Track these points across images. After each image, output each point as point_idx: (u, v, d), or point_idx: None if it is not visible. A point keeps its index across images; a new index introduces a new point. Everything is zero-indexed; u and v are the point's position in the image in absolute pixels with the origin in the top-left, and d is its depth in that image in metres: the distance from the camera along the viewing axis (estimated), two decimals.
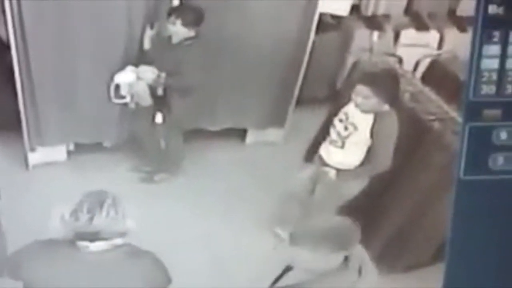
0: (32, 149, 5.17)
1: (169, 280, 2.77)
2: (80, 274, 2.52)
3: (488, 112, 1.84)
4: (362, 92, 3.85)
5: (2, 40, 5.03)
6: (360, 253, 2.64)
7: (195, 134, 5.39)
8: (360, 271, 2.57)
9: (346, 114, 4.05)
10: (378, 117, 3.90)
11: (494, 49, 1.79)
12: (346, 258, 2.56)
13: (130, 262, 2.61)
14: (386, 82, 3.93)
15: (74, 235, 2.48)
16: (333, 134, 4.13)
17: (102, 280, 2.54)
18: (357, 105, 3.92)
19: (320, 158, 4.26)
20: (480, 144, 1.86)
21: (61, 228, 2.47)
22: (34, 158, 5.23)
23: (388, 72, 4.30)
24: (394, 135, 3.90)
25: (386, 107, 3.88)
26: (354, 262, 2.57)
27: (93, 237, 2.48)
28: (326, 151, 4.21)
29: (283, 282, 2.78)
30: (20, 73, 4.77)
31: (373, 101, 3.84)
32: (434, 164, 3.92)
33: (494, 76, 1.82)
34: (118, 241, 2.54)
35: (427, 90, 4.40)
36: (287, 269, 2.77)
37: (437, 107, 4.22)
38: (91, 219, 2.44)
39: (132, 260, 2.62)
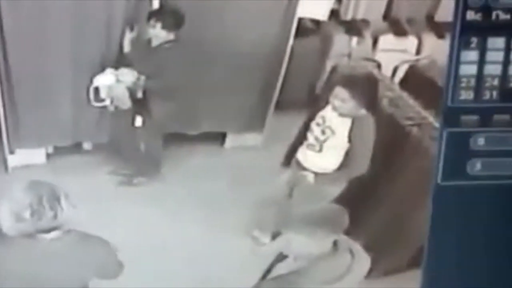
0: (11, 152, 5.17)
1: (120, 265, 2.85)
2: (36, 261, 2.56)
3: (466, 118, 1.85)
4: (340, 95, 3.87)
5: None
6: (347, 238, 2.68)
7: (174, 138, 5.39)
8: (352, 253, 2.60)
9: (323, 118, 4.06)
10: (355, 121, 3.92)
11: (472, 55, 1.81)
12: (335, 243, 2.59)
13: (81, 246, 2.66)
14: (364, 86, 3.96)
15: (35, 230, 2.48)
16: (310, 138, 4.14)
17: (57, 266, 2.59)
18: (334, 108, 3.94)
19: (298, 162, 4.27)
20: (458, 150, 1.87)
21: (19, 227, 2.46)
22: (13, 160, 5.21)
23: (367, 77, 4.33)
24: (371, 139, 3.92)
25: (363, 111, 3.91)
26: (344, 245, 2.60)
27: (53, 229, 2.51)
28: (304, 155, 4.22)
29: (275, 272, 2.80)
30: None
31: (351, 104, 3.86)
32: (412, 169, 3.94)
33: (472, 82, 1.83)
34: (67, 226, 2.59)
35: (405, 95, 4.43)
36: (280, 258, 2.79)
37: (415, 112, 4.24)
38: (55, 216, 2.46)
39: (83, 244, 2.67)
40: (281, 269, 2.78)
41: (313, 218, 2.59)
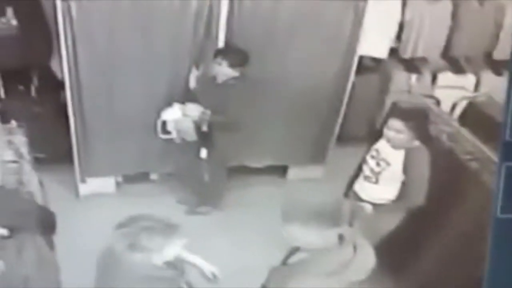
0: (83, 180, 5.40)
1: None
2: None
3: None
4: (394, 126, 3.98)
5: (58, 79, 5.28)
6: (354, 233, 2.75)
7: (238, 169, 5.54)
8: (355, 249, 2.67)
9: (377, 151, 4.16)
10: (409, 152, 4.00)
11: None
12: (340, 237, 2.69)
13: None
14: (417, 118, 4.06)
15: None
16: (366, 171, 4.23)
17: None
18: (388, 140, 4.04)
19: (355, 193, 4.35)
20: None
21: None
22: (84, 188, 5.45)
23: (419, 109, 4.40)
24: (426, 171, 3.99)
25: (416, 143, 4.00)
26: (348, 241, 2.67)
27: None
28: (361, 186, 4.31)
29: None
30: (73, 110, 5.03)
31: (405, 136, 3.96)
32: (471, 202, 3.97)
33: None
34: None
35: (464, 130, 4.47)
36: (294, 250, 2.89)
37: (474, 147, 4.26)
38: None
39: None
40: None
41: (311, 209, 2.68)
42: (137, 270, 2.74)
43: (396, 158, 4.04)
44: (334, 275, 2.63)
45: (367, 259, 2.74)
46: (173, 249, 2.81)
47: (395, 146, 4.03)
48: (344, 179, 4.54)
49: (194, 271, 3.19)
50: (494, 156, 4.01)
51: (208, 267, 3.26)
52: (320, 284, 2.63)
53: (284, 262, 2.96)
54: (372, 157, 4.19)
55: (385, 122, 4.15)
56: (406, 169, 4.02)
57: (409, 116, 4.01)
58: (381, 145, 4.14)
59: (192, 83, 5.13)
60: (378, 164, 4.14)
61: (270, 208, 5.33)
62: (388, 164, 4.09)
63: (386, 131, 4.05)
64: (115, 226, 2.78)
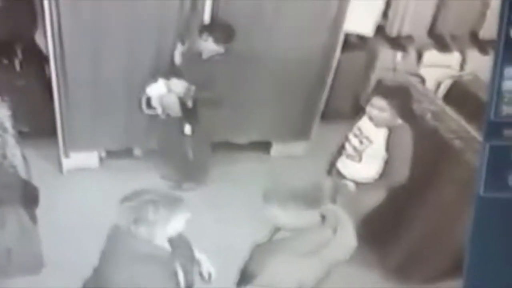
0: (67, 155, 5.37)
1: None
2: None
3: (509, 132, 1.92)
4: (378, 104, 3.99)
5: (43, 52, 5.23)
6: (337, 214, 2.80)
7: (222, 146, 5.52)
8: (335, 231, 2.72)
9: (359, 129, 4.17)
10: (392, 130, 4.01)
11: None
12: (323, 217, 2.72)
13: None
14: (400, 96, 4.06)
15: None
16: (349, 149, 4.24)
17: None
18: (371, 118, 4.05)
19: (338, 171, 4.37)
20: (500, 163, 1.93)
21: None
22: (68, 163, 5.42)
23: (402, 87, 4.41)
24: (409, 149, 4.01)
25: (399, 121, 4.01)
26: (331, 222, 2.73)
27: None
28: (343, 165, 4.32)
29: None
30: (58, 83, 4.99)
31: (387, 114, 3.97)
32: (455, 180, 3.99)
33: None
34: None
35: (448, 109, 4.50)
36: (278, 228, 2.94)
37: (458, 126, 4.30)
38: None
39: None
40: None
41: (289, 193, 2.73)
42: (140, 248, 2.73)
43: (379, 136, 4.06)
44: (314, 254, 2.69)
45: (348, 239, 2.80)
46: (177, 223, 2.79)
47: (377, 124, 4.04)
48: (328, 156, 4.55)
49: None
50: (478, 135, 4.07)
51: (207, 267, 3.24)
52: (300, 262, 2.69)
53: (270, 240, 2.99)
54: (355, 135, 4.20)
55: (368, 100, 4.15)
56: (389, 148, 4.04)
57: (393, 95, 4.02)
58: (364, 123, 4.15)
59: (178, 59, 5.08)
60: (361, 142, 4.16)
61: (255, 184, 5.36)
62: (370, 142, 4.11)
63: (369, 109, 4.06)
64: (120, 201, 2.76)
